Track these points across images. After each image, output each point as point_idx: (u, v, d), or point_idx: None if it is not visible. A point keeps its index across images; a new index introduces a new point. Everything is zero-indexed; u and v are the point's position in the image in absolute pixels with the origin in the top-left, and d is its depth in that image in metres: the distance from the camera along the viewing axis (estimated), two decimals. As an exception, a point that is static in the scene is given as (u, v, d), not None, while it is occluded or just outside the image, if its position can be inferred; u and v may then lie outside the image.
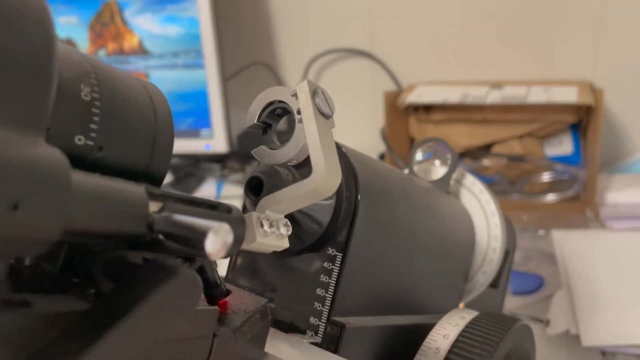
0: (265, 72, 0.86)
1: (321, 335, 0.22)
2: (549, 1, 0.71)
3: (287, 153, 0.18)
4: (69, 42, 0.80)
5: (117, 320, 0.12)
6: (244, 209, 0.23)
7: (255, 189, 0.20)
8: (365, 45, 0.80)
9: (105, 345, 0.11)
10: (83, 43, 0.80)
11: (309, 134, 0.16)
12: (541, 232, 0.63)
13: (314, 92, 0.17)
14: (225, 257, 0.15)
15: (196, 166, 0.87)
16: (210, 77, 0.73)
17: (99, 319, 0.12)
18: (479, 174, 0.62)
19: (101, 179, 0.12)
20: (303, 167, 0.21)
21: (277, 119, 0.19)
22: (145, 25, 0.76)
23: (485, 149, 0.71)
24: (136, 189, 0.13)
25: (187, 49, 0.75)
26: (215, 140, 0.75)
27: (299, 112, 0.17)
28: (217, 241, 0.12)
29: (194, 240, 0.12)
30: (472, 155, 0.71)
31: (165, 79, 0.77)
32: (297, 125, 0.17)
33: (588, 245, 0.58)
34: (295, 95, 0.17)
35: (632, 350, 0.49)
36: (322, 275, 0.22)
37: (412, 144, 0.74)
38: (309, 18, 0.83)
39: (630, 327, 0.49)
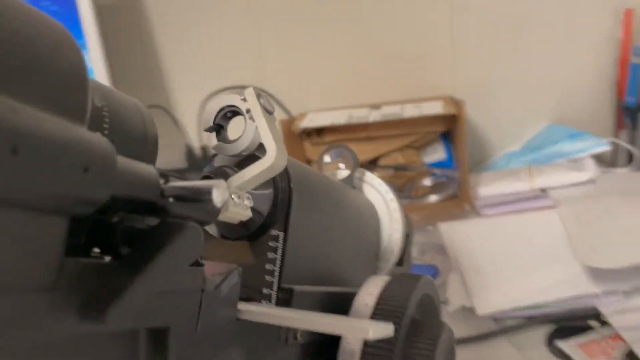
0: (161, 114, 0.89)
1: (274, 301, 0.27)
2: (410, 34, 0.82)
3: (242, 144, 0.23)
4: None
5: (150, 260, 0.16)
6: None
7: None
8: (255, 80, 0.86)
9: (141, 286, 0.15)
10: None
11: (260, 126, 0.22)
12: (430, 227, 0.72)
13: (258, 95, 0.22)
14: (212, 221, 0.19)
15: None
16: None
17: (126, 267, 0.16)
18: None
19: (126, 159, 0.16)
20: (245, 163, 0.26)
21: (228, 120, 0.24)
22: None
23: (372, 163, 0.79)
24: (149, 167, 0.17)
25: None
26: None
27: (248, 112, 0.22)
28: (220, 194, 0.17)
29: (202, 195, 0.17)
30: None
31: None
32: (248, 122, 0.22)
33: (469, 231, 0.67)
34: (244, 99, 0.22)
35: (516, 312, 0.58)
36: (269, 253, 0.27)
37: (309, 165, 0.80)
38: (198, 59, 0.87)
39: (513, 293, 0.58)
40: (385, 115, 0.73)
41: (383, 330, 0.22)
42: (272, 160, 0.21)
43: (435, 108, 0.72)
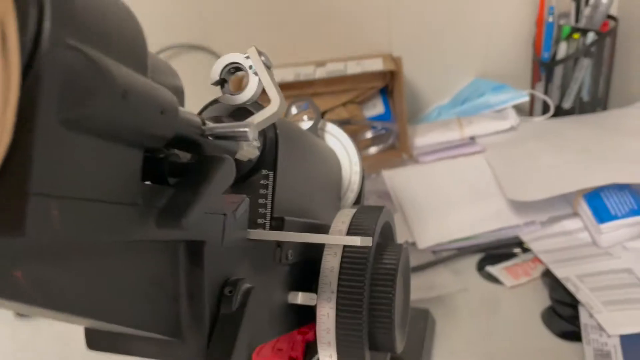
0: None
1: (268, 229, 0.32)
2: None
3: (247, 95, 0.27)
4: None
5: (206, 181, 0.20)
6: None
7: None
8: (200, 39, 0.88)
9: (204, 199, 0.20)
10: None
11: (263, 79, 0.26)
12: (373, 175, 0.78)
13: (260, 53, 0.26)
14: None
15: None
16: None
17: (190, 186, 0.20)
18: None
19: (180, 107, 0.21)
20: (236, 114, 0.30)
21: (230, 75, 0.28)
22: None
23: (319, 118, 0.84)
24: (192, 113, 0.21)
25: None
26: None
27: (250, 67, 0.27)
28: (252, 132, 0.21)
29: (239, 134, 0.21)
30: (309, 124, 0.84)
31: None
32: (251, 76, 0.27)
33: (409, 177, 0.74)
34: (247, 56, 0.27)
35: (451, 245, 0.66)
36: (261, 190, 0.32)
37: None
38: (143, 17, 0.88)
39: (448, 228, 0.66)
40: (330, 72, 0.77)
41: (366, 240, 0.28)
42: (277, 107, 0.26)
43: (376, 65, 0.78)
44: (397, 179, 0.73)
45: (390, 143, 0.84)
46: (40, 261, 0.16)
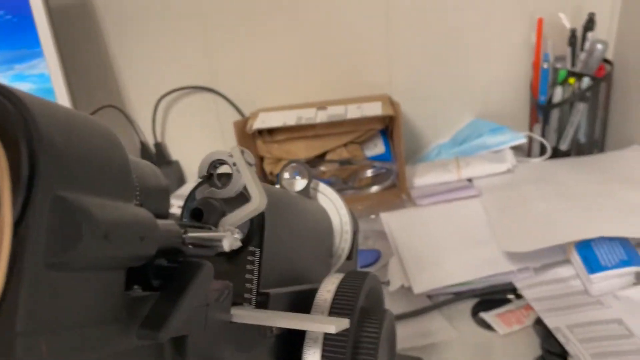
0: (116, 113, 0.92)
1: (254, 304, 0.34)
2: (349, 39, 0.88)
3: (231, 189, 0.29)
4: None
5: (184, 292, 0.22)
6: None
7: (198, 216, 0.31)
8: (206, 81, 0.91)
9: (181, 310, 0.22)
10: None
11: (245, 176, 0.28)
12: (372, 216, 0.80)
13: (242, 152, 0.29)
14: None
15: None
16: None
17: (166, 296, 0.22)
18: (318, 178, 0.77)
19: (160, 220, 0.23)
20: (229, 201, 0.32)
21: (215, 170, 0.30)
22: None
23: (320, 158, 0.86)
24: (173, 224, 0.24)
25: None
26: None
27: (234, 164, 0.29)
28: (228, 242, 0.23)
29: (215, 242, 0.23)
30: (311, 164, 0.86)
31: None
32: (235, 173, 0.29)
33: (407, 219, 0.75)
34: (230, 154, 0.29)
35: (447, 289, 0.67)
36: (248, 265, 0.34)
37: (261, 161, 0.87)
38: (150, 60, 0.91)
39: (444, 273, 0.67)
40: (331, 116, 0.80)
41: (342, 324, 0.30)
42: (256, 204, 0.28)
43: (375, 109, 0.80)
44: (394, 222, 0.74)
45: (391, 182, 0.86)
46: None
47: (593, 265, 0.60)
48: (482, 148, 0.84)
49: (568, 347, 0.54)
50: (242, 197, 0.31)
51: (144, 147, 0.96)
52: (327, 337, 0.35)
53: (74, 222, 0.17)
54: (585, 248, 0.61)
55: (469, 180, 0.80)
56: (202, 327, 0.26)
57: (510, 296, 0.65)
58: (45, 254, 0.17)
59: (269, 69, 0.91)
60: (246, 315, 0.31)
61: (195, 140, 0.94)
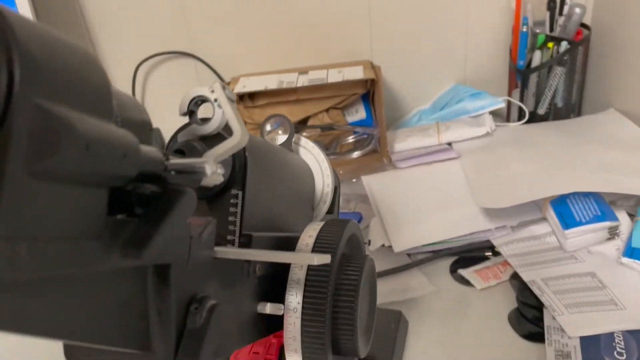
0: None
1: (237, 245, 0.34)
2: (332, 4, 0.88)
3: (212, 126, 0.29)
4: None
5: (167, 215, 0.23)
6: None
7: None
8: (185, 47, 0.90)
9: (164, 232, 0.22)
10: None
11: (227, 112, 0.29)
12: (354, 180, 0.81)
13: (223, 87, 0.29)
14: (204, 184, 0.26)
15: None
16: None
17: (148, 221, 0.22)
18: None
19: (142, 145, 0.23)
20: (207, 140, 0.33)
21: (197, 107, 0.31)
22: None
23: (302, 123, 0.86)
24: (156, 150, 0.24)
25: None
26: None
27: (215, 100, 0.29)
28: (210, 168, 0.24)
29: (198, 169, 0.24)
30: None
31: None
32: (216, 109, 0.29)
33: (388, 181, 0.76)
34: (212, 90, 0.29)
35: (425, 248, 0.68)
36: (230, 208, 0.34)
37: (242, 127, 0.87)
38: (127, 28, 0.89)
39: (422, 233, 0.68)
40: (312, 80, 0.80)
41: (323, 258, 0.30)
42: (238, 138, 0.29)
43: (356, 73, 0.80)
44: (375, 184, 0.75)
45: (372, 147, 0.86)
46: (12, 293, 0.19)
47: (568, 221, 0.61)
48: (462, 113, 0.85)
49: (543, 299, 0.56)
50: (222, 138, 0.31)
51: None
52: (308, 278, 0.36)
53: (54, 130, 0.17)
54: (561, 204, 0.63)
55: (449, 144, 0.81)
56: (186, 259, 0.27)
57: (488, 253, 0.66)
58: (27, 161, 0.17)
59: (249, 34, 0.90)
60: (229, 251, 0.31)
61: (175, 107, 0.93)
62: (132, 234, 0.22)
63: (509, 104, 0.87)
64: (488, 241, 0.67)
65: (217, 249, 0.31)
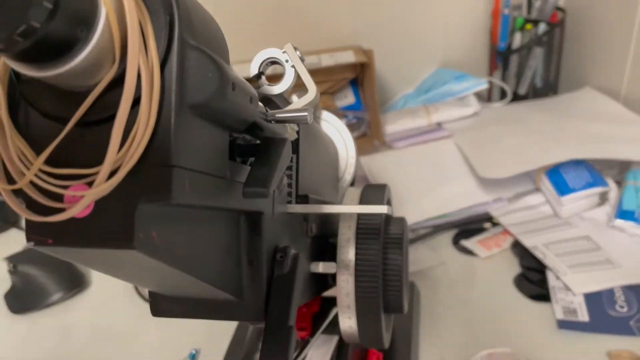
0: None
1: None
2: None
3: (284, 85, 0.31)
4: None
5: (278, 158, 0.24)
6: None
7: None
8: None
9: (278, 172, 0.23)
10: None
11: (300, 71, 0.30)
12: (350, 162, 0.82)
13: (295, 48, 0.30)
14: None
15: None
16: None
17: (264, 161, 0.23)
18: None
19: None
20: (270, 104, 0.34)
21: (267, 68, 0.32)
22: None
23: (293, 109, 0.87)
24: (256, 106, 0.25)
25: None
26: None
27: (287, 61, 0.30)
28: (310, 116, 0.25)
29: (300, 118, 0.25)
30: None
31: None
32: (288, 69, 0.30)
33: (385, 162, 0.78)
34: (284, 51, 0.30)
35: (428, 222, 0.71)
36: (287, 171, 0.36)
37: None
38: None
39: (423, 207, 0.71)
40: (306, 65, 0.81)
41: (390, 209, 0.32)
42: (313, 95, 0.30)
43: (348, 57, 0.82)
44: (374, 164, 0.77)
45: (362, 131, 0.88)
46: (164, 224, 0.20)
47: (563, 189, 0.65)
48: (447, 95, 0.88)
49: (546, 261, 0.59)
50: (282, 99, 0.33)
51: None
52: (359, 238, 0.37)
53: (210, 69, 0.19)
54: (555, 174, 0.67)
55: (439, 124, 0.84)
56: (271, 210, 0.28)
57: (487, 225, 0.69)
58: (189, 96, 0.18)
59: (236, 21, 0.90)
60: (299, 207, 0.32)
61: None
62: (252, 176, 0.23)
63: (491, 84, 0.91)
64: (486, 213, 0.70)
65: (288, 205, 0.32)
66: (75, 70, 0.16)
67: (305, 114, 0.25)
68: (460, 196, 0.71)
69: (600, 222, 0.65)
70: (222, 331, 0.56)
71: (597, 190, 0.64)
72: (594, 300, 0.55)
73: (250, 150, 0.25)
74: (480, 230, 0.69)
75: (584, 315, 0.54)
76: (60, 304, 0.65)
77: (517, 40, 0.86)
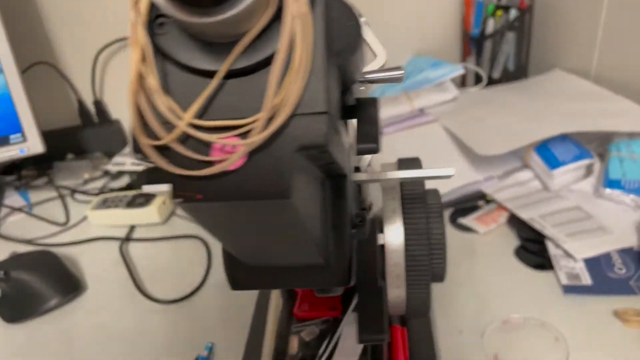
0: (48, 70, 0.85)
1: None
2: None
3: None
4: None
5: (377, 117, 0.24)
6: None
7: None
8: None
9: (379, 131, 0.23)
10: None
11: (367, 37, 0.30)
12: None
13: (359, 15, 0.30)
14: None
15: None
16: (11, 80, 0.71)
17: (366, 120, 0.24)
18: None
19: None
20: None
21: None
22: None
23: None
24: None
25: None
26: (29, 143, 0.74)
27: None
28: (404, 75, 0.25)
29: (396, 76, 0.25)
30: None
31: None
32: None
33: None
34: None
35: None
36: None
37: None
38: (84, 13, 0.85)
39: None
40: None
41: (450, 170, 0.33)
42: (383, 59, 0.30)
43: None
44: (365, 150, 0.78)
45: (345, 120, 0.89)
46: (300, 176, 0.19)
47: (553, 162, 0.68)
48: (424, 82, 0.90)
49: (545, 232, 0.62)
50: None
51: (81, 106, 0.90)
52: (405, 209, 0.38)
53: (352, 17, 0.19)
54: (544, 149, 0.70)
55: (421, 110, 0.86)
56: (350, 175, 0.28)
57: (481, 202, 0.72)
58: (334, 43, 0.18)
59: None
60: (364, 175, 0.33)
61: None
62: (362, 133, 0.23)
63: (466, 70, 0.94)
64: (479, 191, 0.72)
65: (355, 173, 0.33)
66: (238, 16, 0.16)
67: (402, 72, 0.25)
68: (454, 176, 0.73)
69: (587, 192, 0.68)
70: (234, 325, 0.55)
71: (585, 162, 0.68)
72: (593, 265, 0.58)
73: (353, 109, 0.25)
74: (475, 208, 0.71)
75: (586, 280, 0.56)
76: (58, 309, 0.62)
77: (490, 26, 0.89)
